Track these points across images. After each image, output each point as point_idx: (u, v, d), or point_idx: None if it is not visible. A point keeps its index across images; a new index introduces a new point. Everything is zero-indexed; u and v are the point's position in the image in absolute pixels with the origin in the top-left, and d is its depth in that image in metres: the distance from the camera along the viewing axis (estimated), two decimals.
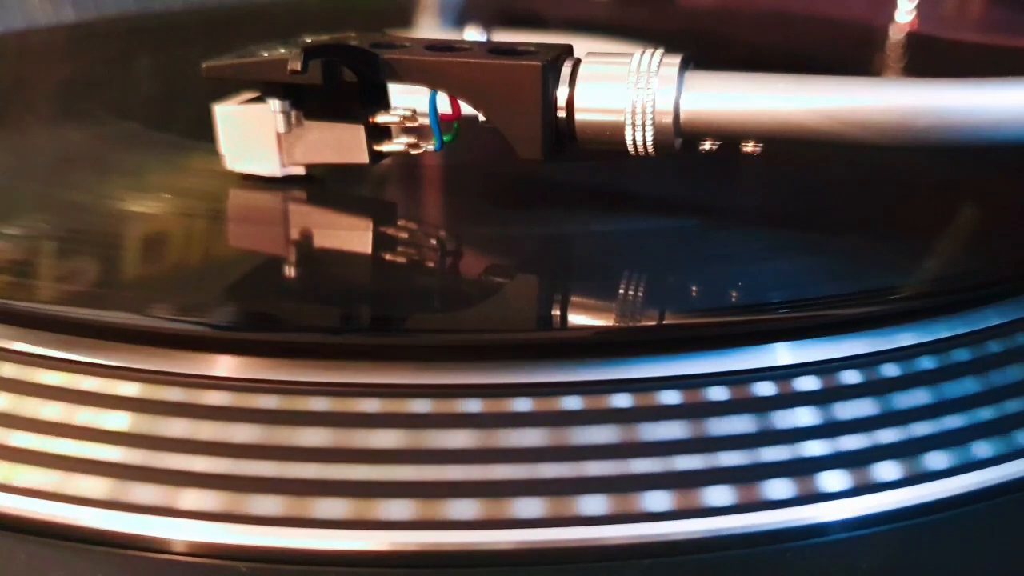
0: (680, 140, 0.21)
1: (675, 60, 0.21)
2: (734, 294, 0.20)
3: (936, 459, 0.17)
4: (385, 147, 0.24)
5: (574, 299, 0.20)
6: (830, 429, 0.18)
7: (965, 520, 0.17)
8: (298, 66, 0.21)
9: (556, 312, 0.20)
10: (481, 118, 0.22)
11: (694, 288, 0.20)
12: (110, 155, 0.28)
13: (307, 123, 0.24)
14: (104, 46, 0.44)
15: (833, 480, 0.17)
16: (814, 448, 0.17)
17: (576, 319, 0.19)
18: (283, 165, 0.24)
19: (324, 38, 0.24)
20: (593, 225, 0.23)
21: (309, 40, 0.23)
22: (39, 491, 0.17)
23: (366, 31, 0.25)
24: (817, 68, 0.21)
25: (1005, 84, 0.19)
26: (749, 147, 0.26)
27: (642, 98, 0.21)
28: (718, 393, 0.18)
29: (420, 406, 0.17)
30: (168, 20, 0.49)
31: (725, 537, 0.16)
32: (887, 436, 0.18)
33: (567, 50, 0.23)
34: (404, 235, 0.23)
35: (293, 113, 0.23)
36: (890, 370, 0.18)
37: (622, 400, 0.17)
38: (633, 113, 0.21)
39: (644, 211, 0.24)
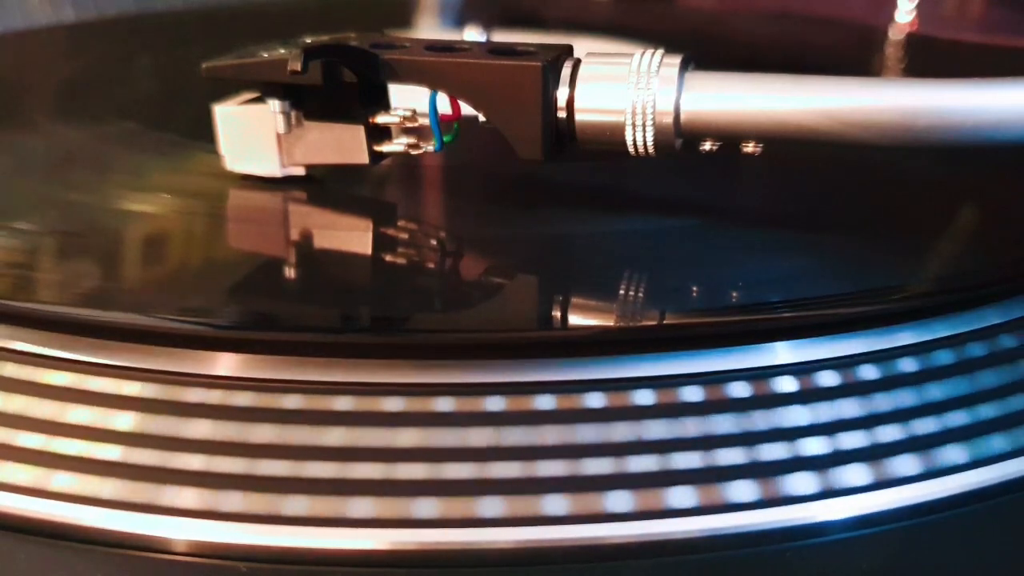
0: (680, 140, 0.21)
1: (675, 60, 0.21)
2: (734, 294, 0.20)
3: (936, 458, 0.17)
4: (385, 147, 0.24)
5: (574, 299, 0.20)
6: (830, 428, 0.18)
7: (965, 520, 0.17)
8: (298, 66, 0.21)
9: (556, 312, 0.20)
10: (481, 118, 0.22)
11: (692, 287, 0.20)
12: (110, 155, 0.28)
13: (307, 123, 0.24)
14: (104, 46, 0.44)
15: (833, 479, 0.17)
16: (814, 447, 0.17)
17: (576, 319, 0.19)
18: (283, 165, 0.24)
19: (324, 38, 0.24)
20: (593, 225, 0.23)
21: (309, 40, 0.23)
22: (39, 490, 0.17)
23: (366, 31, 0.25)
24: (817, 68, 0.21)
25: (1005, 84, 0.19)
26: (749, 147, 0.26)
27: (642, 98, 0.21)
28: (717, 392, 0.18)
29: (420, 405, 0.17)
30: (168, 20, 0.49)
31: (725, 537, 0.16)
32: (887, 435, 0.18)
33: (567, 50, 0.23)
34: (404, 235, 0.23)
35: (293, 113, 0.23)
36: (890, 369, 0.18)
37: (619, 399, 0.17)
38: (633, 113, 0.21)
39: (644, 211, 0.24)
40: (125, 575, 0.16)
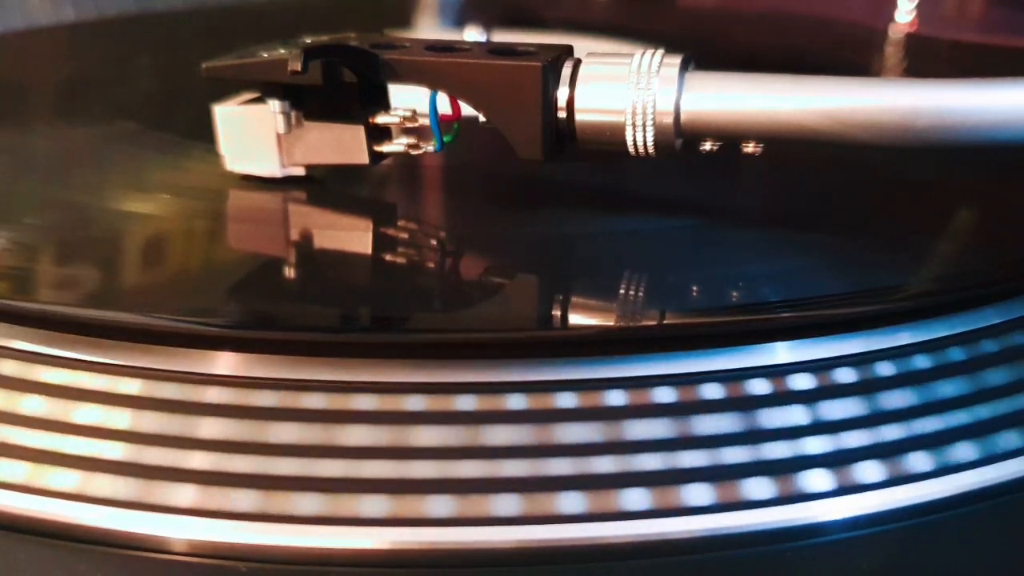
0: (680, 140, 0.21)
1: (675, 60, 0.21)
2: (733, 294, 0.20)
3: (936, 458, 0.17)
4: (385, 148, 0.24)
5: (574, 299, 0.20)
6: (830, 428, 0.18)
7: (966, 520, 0.17)
8: (298, 66, 0.21)
9: (556, 311, 0.20)
10: (481, 119, 0.22)
11: (690, 288, 0.20)
12: (110, 155, 0.28)
13: (307, 124, 0.24)
14: (104, 46, 0.44)
15: (833, 479, 0.17)
16: (814, 447, 0.17)
17: (575, 318, 0.19)
18: (283, 166, 0.24)
19: (324, 38, 0.24)
20: (593, 225, 0.23)
21: (309, 40, 0.23)
22: (39, 490, 0.17)
23: (366, 31, 0.25)
24: (817, 68, 0.21)
25: (1005, 84, 0.19)
26: (749, 147, 0.26)
27: (643, 98, 0.21)
28: (715, 391, 0.18)
29: (419, 404, 0.17)
30: (168, 20, 0.49)
31: (725, 537, 0.16)
32: (887, 435, 0.18)
33: (567, 50, 0.23)
34: (404, 235, 0.23)
35: (293, 114, 0.23)
36: (888, 369, 0.18)
37: (619, 398, 0.17)
38: (634, 113, 0.21)
39: (644, 211, 0.24)
40: (125, 575, 0.16)
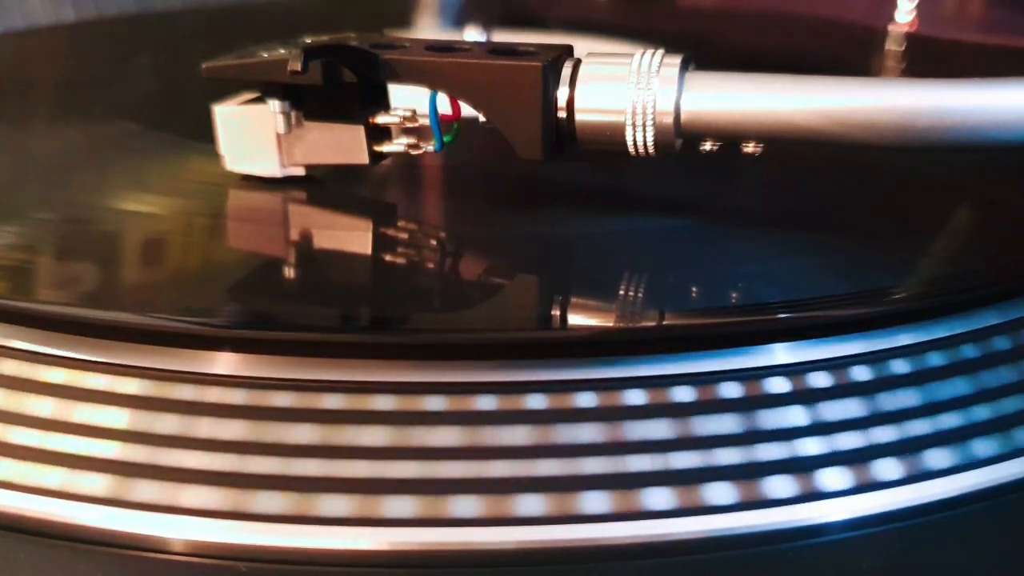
0: (680, 140, 0.21)
1: (675, 61, 0.21)
2: (733, 294, 0.20)
3: (936, 458, 0.17)
4: (385, 148, 0.24)
5: (574, 299, 0.20)
6: (830, 428, 0.18)
7: (965, 520, 0.17)
8: (298, 66, 0.21)
9: (556, 312, 0.20)
10: (481, 119, 0.22)
11: (692, 288, 0.20)
12: (110, 155, 0.28)
13: (307, 124, 0.24)
14: (104, 46, 0.44)
15: (833, 479, 0.17)
16: (814, 447, 0.17)
17: (575, 319, 0.19)
18: (283, 166, 0.24)
19: (324, 38, 0.24)
20: (594, 225, 0.23)
21: (309, 40, 0.23)
22: (39, 489, 0.17)
23: (366, 31, 0.25)
24: (817, 69, 0.21)
25: (1005, 84, 0.19)
26: (750, 147, 0.26)
27: (643, 98, 0.21)
28: (716, 391, 0.18)
29: (423, 404, 0.17)
30: (168, 20, 0.49)
31: (725, 537, 0.16)
32: (887, 435, 0.18)
33: (567, 50, 0.23)
34: (404, 235, 0.23)
35: (293, 114, 0.23)
36: (888, 369, 0.18)
37: (619, 398, 0.17)
38: (634, 113, 0.21)
39: (644, 211, 0.24)
40: (125, 575, 0.16)
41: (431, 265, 0.22)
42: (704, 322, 0.19)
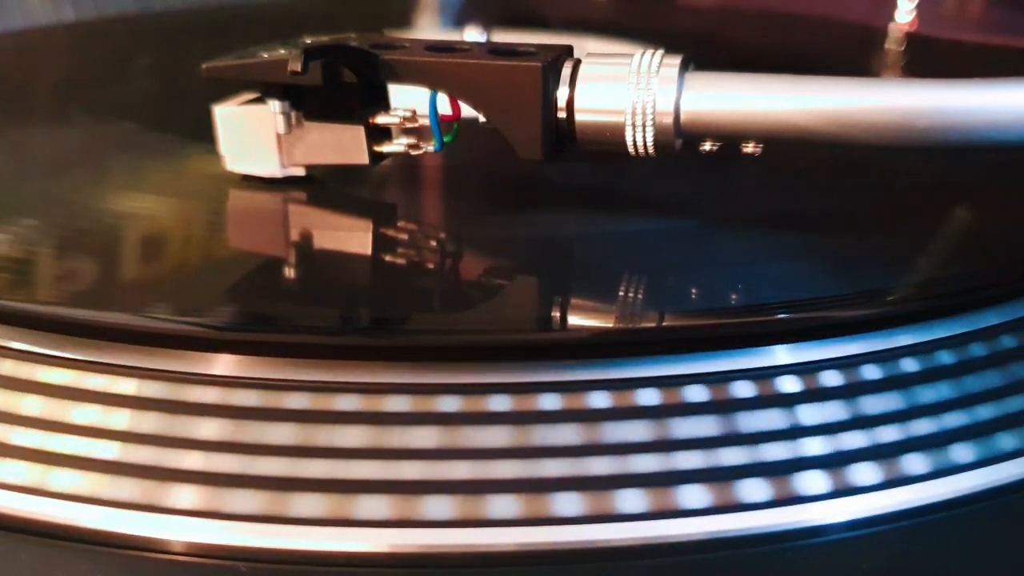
0: (680, 141, 0.21)
1: (675, 61, 0.21)
2: (733, 296, 0.20)
3: (936, 459, 0.17)
4: (385, 148, 0.24)
5: (575, 300, 0.20)
6: (832, 428, 0.18)
7: (964, 520, 0.17)
8: (298, 67, 0.21)
9: (556, 313, 0.20)
10: (481, 119, 0.22)
11: (693, 289, 0.20)
12: (110, 155, 0.28)
13: (307, 124, 0.24)
14: (104, 46, 0.44)
15: (833, 480, 0.17)
16: (814, 448, 0.17)
17: (576, 320, 0.19)
18: (283, 166, 0.24)
19: (324, 39, 0.24)
20: (593, 226, 0.23)
21: (309, 41, 0.23)
22: (39, 490, 0.17)
23: (366, 31, 0.25)
24: (817, 69, 0.21)
25: (1005, 84, 0.19)
26: (749, 147, 0.26)
27: (642, 99, 0.21)
28: (717, 392, 0.18)
29: (419, 405, 0.17)
30: (168, 20, 0.49)
31: (725, 538, 0.16)
32: (886, 436, 0.18)
33: (567, 51, 0.23)
34: (404, 236, 0.23)
35: (293, 114, 0.23)
36: (887, 371, 0.18)
37: (617, 400, 0.17)
38: (633, 114, 0.21)
39: (644, 212, 0.24)
40: (125, 575, 0.16)
41: (431, 265, 0.22)
42: (704, 322, 0.19)
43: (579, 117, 0.22)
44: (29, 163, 0.28)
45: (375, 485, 0.16)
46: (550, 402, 0.17)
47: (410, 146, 0.23)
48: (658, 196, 0.25)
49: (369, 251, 0.23)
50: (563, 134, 0.22)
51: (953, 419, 0.18)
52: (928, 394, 0.18)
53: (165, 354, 0.18)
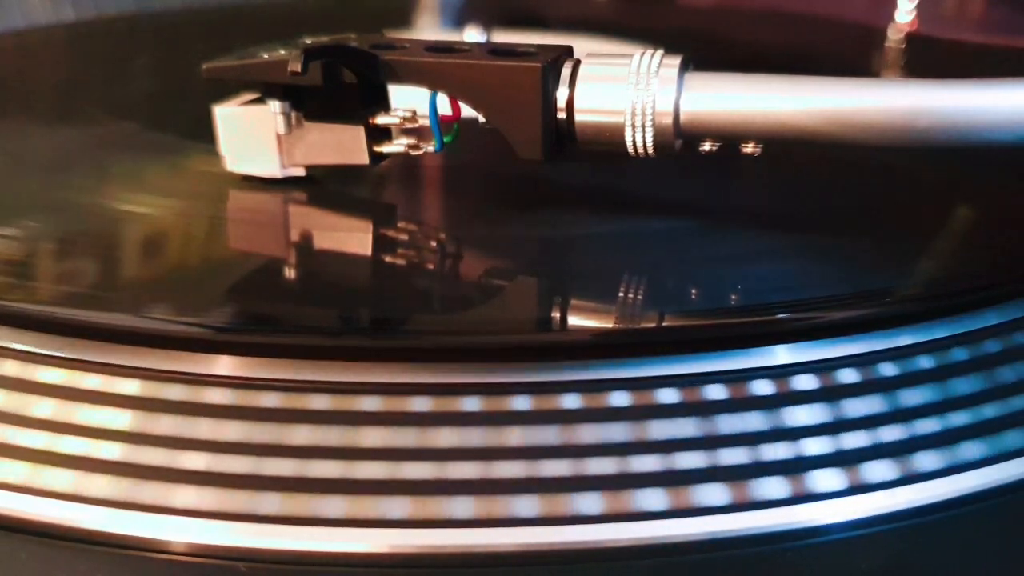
0: (680, 141, 0.21)
1: (675, 61, 0.21)
2: (733, 295, 0.20)
3: (936, 459, 0.17)
4: (385, 148, 0.24)
5: (574, 300, 0.20)
6: (830, 429, 0.18)
7: (965, 520, 0.17)
8: (298, 67, 0.21)
9: (556, 313, 0.20)
10: (481, 119, 0.22)
11: (693, 289, 0.20)
12: (109, 156, 0.28)
13: (307, 124, 0.24)
14: (104, 46, 0.44)
15: (833, 480, 0.17)
16: (814, 448, 0.17)
17: (576, 320, 0.19)
18: (283, 166, 0.24)
19: (324, 39, 0.24)
20: (593, 226, 0.23)
21: (309, 41, 0.23)
22: (40, 490, 0.17)
23: (366, 31, 0.25)
24: (817, 68, 0.21)
25: (1005, 84, 0.19)
26: (749, 148, 0.26)
27: (642, 99, 0.21)
28: (717, 392, 0.18)
29: (420, 405, 0.17)
30: (168, 20, 0.49)
31: (725, 538, 0.16)
32: (887, 435, 0.18)
33: (567, 51, 0.23)
34: (404, 236, 0.23)
35: (293, 114, 0.23)
36: (889, 369, 0.18)
37: (620, 399, 0.17)
38: (633, 114, 0.21)
39: (644, 212, 0.24)
40: (125, 575, 0.16)
41: (432, 266, 0.22)
42: (702, 323, 0.19)
43: (579, 117, 0.22)
44: (29, 163, 0.28)
45: (376, 485, 0.16)
46: (569, 401, 0.17)
47: (410, 146, 0.23)
48: (658, 196, 0.25)
49: (369, 251, 0.23)
50: (563, 134, 0.22)
51: (953, 419, 0.18)
52: (928, 394, 0.18)
53: (165, 355, 0.18)
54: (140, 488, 0.17)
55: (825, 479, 0.17)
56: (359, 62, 0.23)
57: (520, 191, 0.25)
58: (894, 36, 0.44)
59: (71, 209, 0.24)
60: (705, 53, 0.22)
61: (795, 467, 0.17)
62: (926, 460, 0.17)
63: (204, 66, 0.24)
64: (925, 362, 0.19)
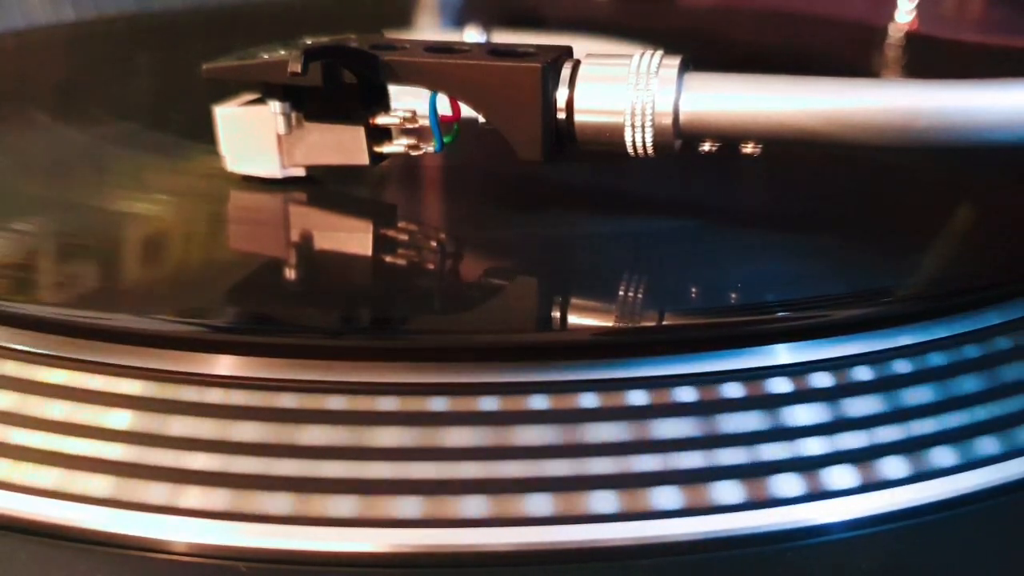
0: (680, 141, 0.21)
1: (674, 61, 0.21)
2: (734, 295, 0.20)
3: (937, 458, 0.17)
4: (385, 148, 0.24)
5: (575, 300, 0.20)
6: (831, 428, 0.18)
7: (965, 520, 0.17)
8: (298, 68, 0.21)
9: (565, 313, 0.20)
10: (481, 119, 0.22)
11: (694, 289, 0.20)
12: (110, 156, 0.28)
13: (307, 124, 0.24)
14: (104, 46, 0.44)
15: (834, 479, 0.17)
16: (815, 447, 0.17)
17: (586, 320, 0.19)
18: (283, 166, 0.24)
19: (324, 39, 0.24)
20: (593, 226, 0.23)
21: (309, 41, 0.23)
22: (40, 490, 0.17)
23: (366, 32, 0.25)
24: (817, 68, 0.21)
25: (1005, 84, 0.19)
26: (749, 148, 0.26)
27: (642, 99, 0.21)
28: (718, 392, 0.18)
29: (422, 404, 0.17)
30: (168, 20, 0.49)
31: (725, 537, 0.16)
32: (888, 435, 0.18)
33: (567, 51, 0.23)
34: (404, 236, 0.23)
35: (293, 115, 0.23)
36: (891, 369, 0.18)
37: (621, 399, 0.17)
38: (633, 114, 0.21)
39: (644, 212, 0.24)
40: (125, 575, 0.16)
41: (432, 266, 0.22)
42: (705, 322, 0.19)
43: (578, 118, 0.22)
44: (29, 163, 0.28)
45: (378, 484, 0.16)
46: (579, 400, 0.17)
47: (410, 146, 0.23)
48: (658, 196, 0.25)
49: (369, 251, 0.23)
50: (563, 135, 0.22)
51: (954, 418, 0.18)
52: (929, 394, 0.18)
53: (165, 355, 0.18)
54: (141, 488, 0.17)
55: (828, 478, 0.17)
56: (359, 62, 0.23)
57: (520, 191, 0.25)
58: (894, 36, 0.44)
59: (71, 209, 0.24)
60: (705, 53, 0.22)
61: (799, 466, 0.17)
62: (926, 459, 0.17)
63: (204, 66, 0.24)
64: (927, 361, 0.19)
